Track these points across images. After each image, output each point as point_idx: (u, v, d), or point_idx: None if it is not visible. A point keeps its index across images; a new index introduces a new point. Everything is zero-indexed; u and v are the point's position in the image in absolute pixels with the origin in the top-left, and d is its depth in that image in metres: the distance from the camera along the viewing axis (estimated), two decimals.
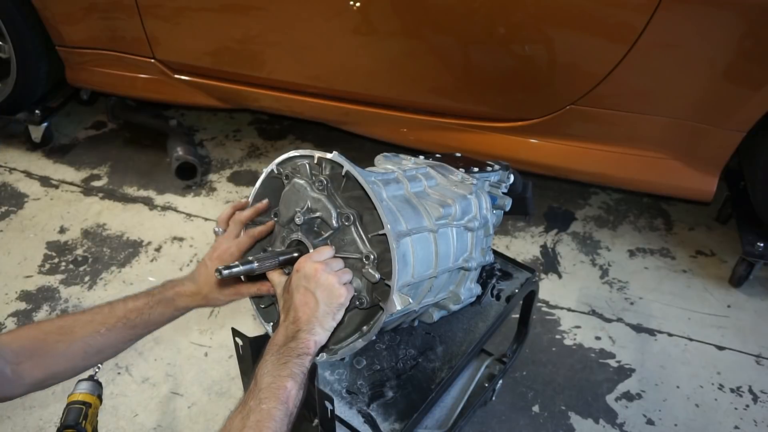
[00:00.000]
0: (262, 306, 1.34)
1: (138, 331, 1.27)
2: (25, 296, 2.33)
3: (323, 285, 1.10)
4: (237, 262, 1.11)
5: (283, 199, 1.25)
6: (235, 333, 1.37)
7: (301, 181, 1.21)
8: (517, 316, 1.84)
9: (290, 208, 1.22)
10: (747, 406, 1.95)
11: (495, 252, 1.61)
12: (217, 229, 1.32)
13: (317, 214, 1.18)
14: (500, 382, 1.86)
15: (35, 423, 1.91)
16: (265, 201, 1.31)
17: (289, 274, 1.23)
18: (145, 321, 1.27)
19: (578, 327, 2.20)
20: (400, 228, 1.15)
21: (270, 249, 1.28)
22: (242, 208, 1.33)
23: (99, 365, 1.73)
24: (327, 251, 1.15)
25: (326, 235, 1.17)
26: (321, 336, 1.10)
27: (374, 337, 1.17)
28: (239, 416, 0.99)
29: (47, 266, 2.46)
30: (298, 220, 1.19)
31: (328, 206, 1.16)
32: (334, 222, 1.15)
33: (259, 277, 1.24)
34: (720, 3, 1.83)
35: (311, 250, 1.17)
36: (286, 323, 1.10)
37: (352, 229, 1.15)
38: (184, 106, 3.28)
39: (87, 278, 2.41)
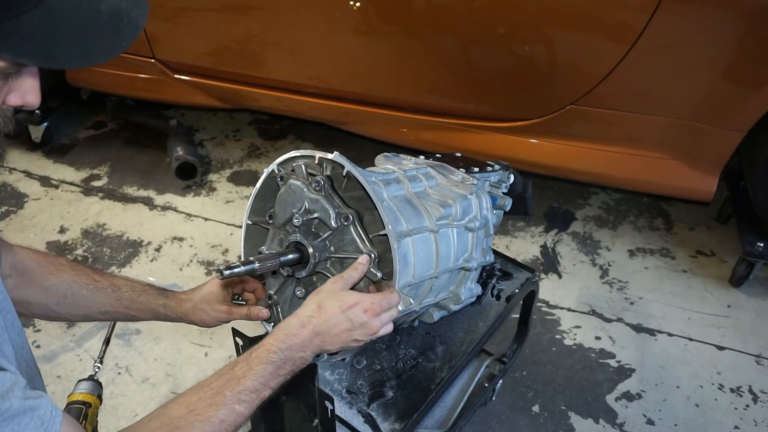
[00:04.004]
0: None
1: (120, 305, 1.27)
2: None
3: (369, 325, 1.07)
4: (238, 263, 1.11)
5: (278, 201, 1.23)
6: (235, 333, 1.37)
7: (298, 182, 1.20)
8: (517, 316, 1.84)
9: (287, 209, 1.21)
10: (747, 406, 1.95)
11: (495, 252, 1.61)
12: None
13: (315, 215, 1.17)
14: (500, 382, 1.86)
15: None
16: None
17: (287, 276, 1.22)
18: (131, 299, 1.28)
19: (578, 327, 2.20)
20: (401, 228, 1.15)
21: (266, 250, 1.27)
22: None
23: (99, 365, 1.73)
24: (395, 299, 1.11)
25: (325, 235, 1.17)
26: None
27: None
28: (209, 397, 0.97)
29: None
30: (296, 222, 1.18)
31: (326, 206, 1.16)
32: (332, 222, 1.15)
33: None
34: (720, 3, 1.83)
35: (310, 251, 1.16)
36: (311, 334, 1.04)
37: (351, 228, 1.15)
38: (184, 106, 3.28)
39: None
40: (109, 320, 1.34)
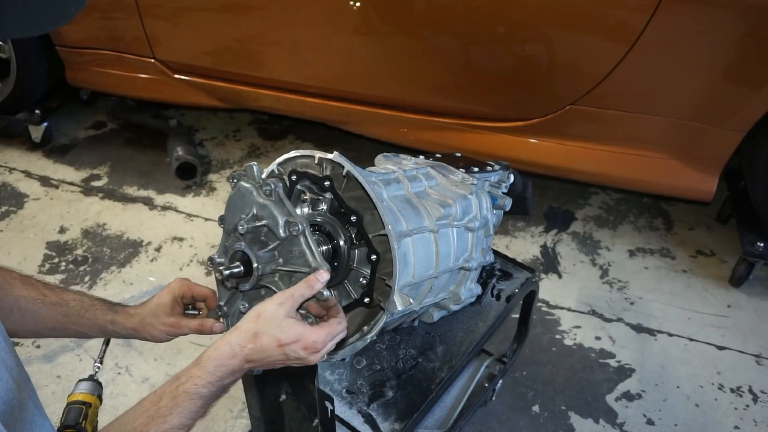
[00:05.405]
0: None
1: (67, 321, 1.21)
2: None
3: (306, 360, 1.02)
4: (237, 263, 1.10)
5: (228, 204, 1.13)
6: None
7: (247, 185, 1.08)
8: (517, 316, 1.84)
9: (235, 214, 1.10)
10: (747, 406, 1.96)
11: (495, 252, 1.61)
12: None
13: (263, 222, 1.06)
14: (500, 382, 1.86)
15: None
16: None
17: (231, 287, 1.15)
18: (78, 315, 1.21)
19: (578, 327, 2.20)
20: (400, 228, 1.15)
21: (216, 257, 1.16)
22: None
23: (99, 365, 1.73)
24: (341, 330, 1.05)
25: (272, 246, 1.07)
26: None
27: (375, 337, 1.17)
28: (147, 410, 0.91)
29: (47, 266, 2.46)
30: (241, 229, 1.07)
31: (274, 213, 1.05)
32: (281, 231, 1.05)
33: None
34: (720, 3, 1.83)
35: (254, 262, 1.06)
36: (242, 362, 0.99)
37: (301, 239, 1.04)
38: (184, 106, 3.28)
39: (87, 278, 2.41)
40: (58, 337, 1.25)
